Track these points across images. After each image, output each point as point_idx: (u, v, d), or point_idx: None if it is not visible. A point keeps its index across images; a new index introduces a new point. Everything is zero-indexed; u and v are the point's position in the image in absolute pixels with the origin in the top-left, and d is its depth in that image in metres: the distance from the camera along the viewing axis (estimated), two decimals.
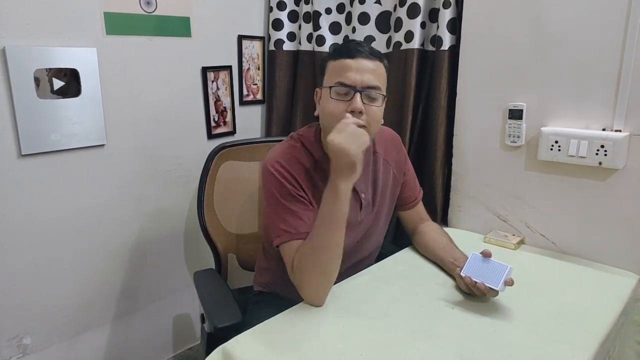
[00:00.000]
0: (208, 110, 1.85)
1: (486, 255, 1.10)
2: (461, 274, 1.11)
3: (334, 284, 1.14)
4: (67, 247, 1.54)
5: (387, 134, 1.34)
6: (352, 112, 1.06)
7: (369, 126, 1.08)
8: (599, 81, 1.25)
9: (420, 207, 1.41)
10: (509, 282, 1.05)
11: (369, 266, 1.34)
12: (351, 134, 1.00)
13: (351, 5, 1.79)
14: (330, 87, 1.08)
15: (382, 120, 1.16)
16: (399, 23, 1.63)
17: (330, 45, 1.85)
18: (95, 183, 1.58)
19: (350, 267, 1.26)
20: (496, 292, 1.06)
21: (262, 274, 1.37)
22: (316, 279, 1.05)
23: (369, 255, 1.34)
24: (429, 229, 1.37)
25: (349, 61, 1.07)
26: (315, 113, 1.17)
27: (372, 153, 1.26)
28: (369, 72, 1.07)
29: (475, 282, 1.07)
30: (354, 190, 1.18)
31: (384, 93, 1.12)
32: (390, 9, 1.70)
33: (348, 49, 1.09)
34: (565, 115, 1.32)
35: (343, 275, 1.19)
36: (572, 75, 1.29)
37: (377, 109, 1.10)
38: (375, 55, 1.10)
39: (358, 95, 1.06)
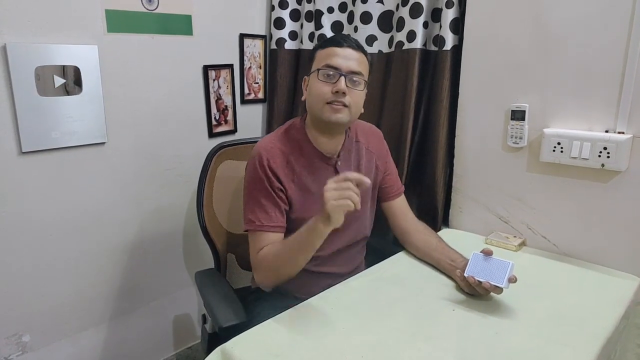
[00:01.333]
0: (209, 108, 1.84)
1: (487, 253, 1.11)
2: (465, 274, 1.11)
3: (334, 284, 1.19)
4: (66, 245, 1.54)
5: (368, 127, 1.43)
6: (336, 92, 1.15)
7: (350, 107, 1.18)
8: (602, 83, 1.25)
9: (404, 201, 1.43)
10: (513, 279, 1.06)
11: (358, 259, 1.36)
12: (339, 194, 1.01)
13: (353, 4, 1.78)
14: (319, 70, 1.19)
15: (362, 110, 1.25)
16: (401, 23, 1.63)
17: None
18: (96, 181, 1.57)
19: (335, 252, 1.27)
20: (501, 290, 1.07)
21: None
22: (272, 278, 1.20)
23: (355, 244, 1.34)
24: (414, 229, 1.37)
25: (336, 49, 1.19)
26: (303, 98, 1.27)
27: (355, 141, 1.34)
28: (353, 59, 1.19)
29: (480, 282, 1.07)
30: (337, 174, 1.23)
31: (366, 79, 1.22)
32: (393, 8, 1.69)
33: (336, 39, 1.22)
34: (568, 117, 1.32)
35: (328, 259, 1.26)
36: (575, 77, 1.29)
37: (359, 93, 1.20)
38: (360, 48, 1.22)
39: (343, 78, 1.16)
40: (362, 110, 1.26)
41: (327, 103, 1.17)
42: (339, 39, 1.21)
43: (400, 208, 1.42)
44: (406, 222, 1.39)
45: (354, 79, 1.18)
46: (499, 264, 1.07)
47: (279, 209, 1.21)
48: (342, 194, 1.00)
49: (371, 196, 1.37)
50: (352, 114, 1.20)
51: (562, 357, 0.92)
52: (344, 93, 1.16)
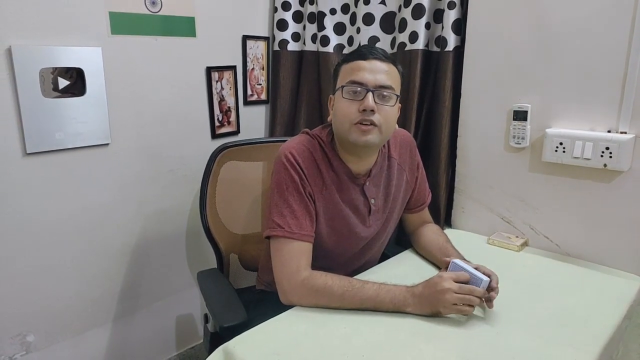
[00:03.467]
0: (212, 110, 1.85)
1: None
2: None
3: None
4: (71, 246, 1.55)
5: (401, 136, 1.32)
6: (364, 110, 1.06)
7: (380, 126, 1.08)
8: (604, 83, 1.24)
9: (425, 211, 1.41)
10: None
11: (372, 266, 1.33)
12: (460, 298, 1.00)
13: (356, 5, 1.79)
14: (342, 87, 1.09)
15: (397, 125, 1.16)
16: (403, 24, 1.63)
17: (335, 46, 1.85)
18: (99, 182, 1.58)
19: (354, 270, 1.25)
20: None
21: (265, 272, 1.37)
22: (314, 305, 1.07)
23: (373, 257, 1.34)
24: (427, 229, 1.36)
25: (361, 62, 1.09)
26: (329, 119, 1.18)
27: (387, 158, 1.25)
28: (381, 72, 1.08)
29: None
30: (364, 196, 1.19)
31: (398, 93, 1.11)
32: (395, 9, 1.70)
33: (361, 52, 1.11)
34: (570, 117, 1.32)
35: (341, 273, 1.19)
36: (577, 77, 1.29)
37: (390, 109, 1.09)
38: (388, 58, 1.12)
39: (370, 94, 1.06)
40: (397, 127, 1.16)
41: (355, 124, 1.07)
42: (364, 50, 1.10)
43: (422, 218, 1.39)
44: (423, 227, 1.37)
45: (384, 93, 1.07)
46: (474, 278, 1.04)
47: (310, 217, 1.11)
48: (464, 298, 0.99)
49: (398, 212, 1.31)
50: (382, 134, 1.09)
51: (564, 357, 0.91)
52: (372, 111, 1.05)
